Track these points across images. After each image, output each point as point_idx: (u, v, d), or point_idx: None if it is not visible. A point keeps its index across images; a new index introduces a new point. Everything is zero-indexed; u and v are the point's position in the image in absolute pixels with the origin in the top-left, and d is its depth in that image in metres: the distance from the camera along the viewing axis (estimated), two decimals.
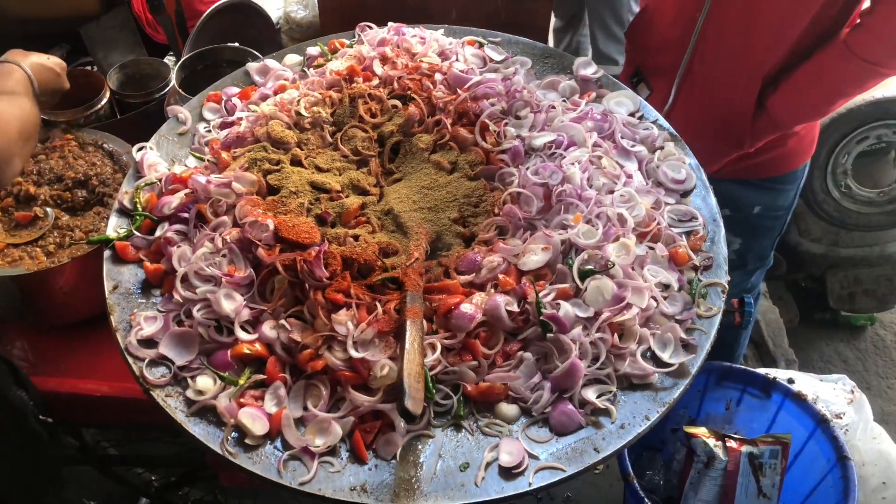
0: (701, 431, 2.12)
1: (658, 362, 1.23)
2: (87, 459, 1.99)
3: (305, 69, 1.68)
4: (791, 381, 2.21)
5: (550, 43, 4.34)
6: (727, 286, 1.34)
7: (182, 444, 2.12)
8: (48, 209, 1.66)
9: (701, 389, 2.25)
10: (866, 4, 1.65)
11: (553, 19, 4.19)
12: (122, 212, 1.42)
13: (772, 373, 2.23)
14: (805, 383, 2.24)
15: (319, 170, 1.44)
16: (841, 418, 2.18)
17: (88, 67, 2.03)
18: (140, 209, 1.39)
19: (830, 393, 2.26)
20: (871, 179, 2.84)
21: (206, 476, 2.23)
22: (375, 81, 1.59)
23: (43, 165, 1.73)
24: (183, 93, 1.73)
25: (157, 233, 1.36)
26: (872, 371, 3.08)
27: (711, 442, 2.09)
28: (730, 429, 2.22)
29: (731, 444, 2.08)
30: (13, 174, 1.19)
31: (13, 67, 1.34)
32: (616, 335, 1.24)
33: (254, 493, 2.38)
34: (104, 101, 1.87)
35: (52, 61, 1.47)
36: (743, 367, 2.24)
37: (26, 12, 1.94)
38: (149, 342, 1.23)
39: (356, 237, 1.34)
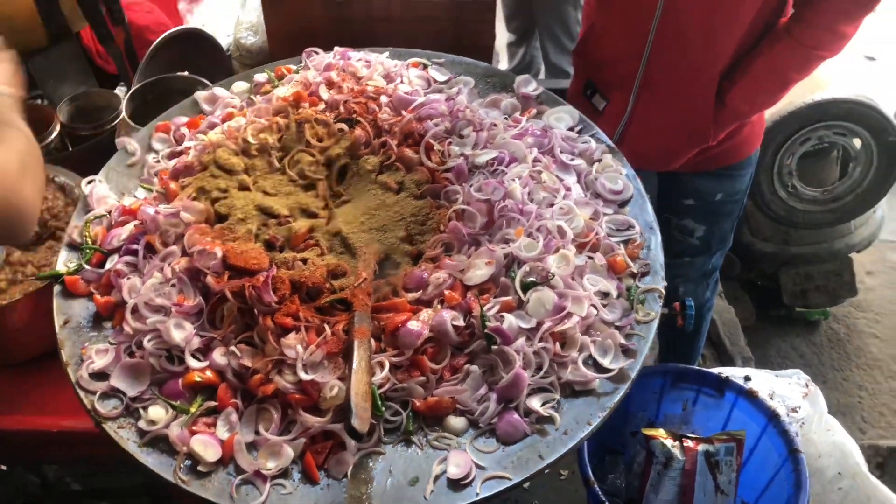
0: (659, 433, 2.16)
1: (599, 368, 1.27)
2: (49, 497, 1.98)
3: (253, 96, 1.71)
4: (748, 378, 2.26)
5: (504, 58, 4.44)
6: (664, 291, 1.39)
7: (146, 473, 2.12)
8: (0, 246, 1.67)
9: (658, 392, 2.30)
10: None
11: (506, 34, 4.28)
12: (72, 246, 1.43)
13: (727, 371, 2.29)
14: (761, 380, 2.30)
15: (267, 195, 1.47)
16: (797, 412, 2.24)
17: (38, 101, 2.03)
18: (90, 243, 1.41)
19: (786, 388, 2.32)
20: (815, 179, 2.94)
21: None
22: (322, 106, 1.62)
23: None
24: (133, 124, 1.75)
25: (108, 265, 1.38)
26: (828, 364, 3.17)
27: (669, 443, 2.13)
28: (687, 429, 2.27)
29: (688, 443, 2.12)
30: (32, 216, 1.11)
31: None
32: (558, 344, 1.28)
33: None
34: (54, 134, 1.88)
35: (4, 55, 1.36)
36: (697, 367, 2.30)
37: None
38: (100, 375, 1.24)
39: (304, 260, 1.37)
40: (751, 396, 2.14)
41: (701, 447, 2.09)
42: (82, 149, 1.89)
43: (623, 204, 1.53)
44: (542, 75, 4.19)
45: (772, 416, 2.07)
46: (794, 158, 2.89)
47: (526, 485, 2.61)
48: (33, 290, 1.57)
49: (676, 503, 2.06)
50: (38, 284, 1.56)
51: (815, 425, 2.23)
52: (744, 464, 2.08)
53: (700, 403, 2.26)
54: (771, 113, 2.85)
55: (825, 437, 2.22)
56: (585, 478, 1.98)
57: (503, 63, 4.50)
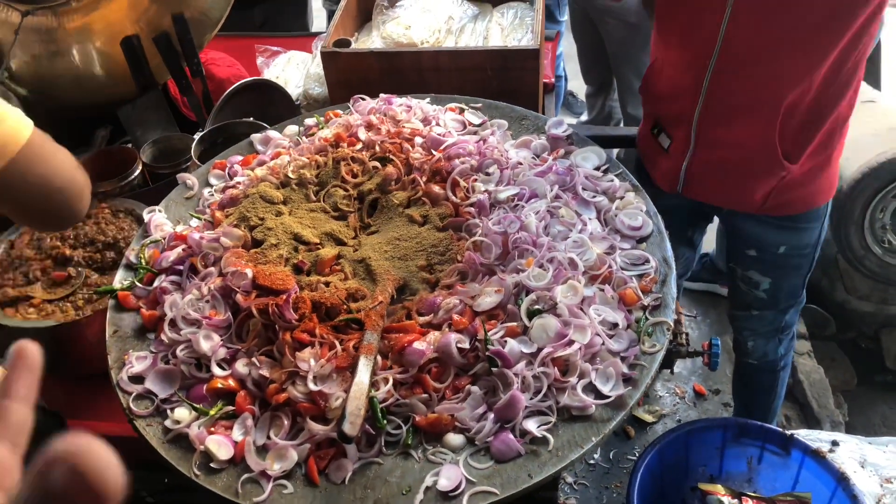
0: (717, 489, 2.10)
1: (599, 395, 1.30)
2: None
3: (300, 137, 1.87)
4: (835, 443, 2.17)
5: (584, 108, 4.51)
6: (672, 325, 1.40)
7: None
8: (80, 269, 1.88)
9: (719, 446, 2.24)
10: None
11: (585, 86, 4.37)
12: (129, 266, 1.61)
13: (812, 434, 2.19)
14: (851, 446, 2.19)
15: (301, 224, 1.60)
16: (892, 483, 2.11)
17: (129, 145, 2.28)
18: (143, 263, 1.58)
19: (880, 456, 2.19)
20: None
21: None
22: (359, 146, 1.76)
23: (79, 231, 1.96)
24: (199, 163, 1.94)
25: (156, 283, 1.54)
26: None
27: (727, 500, 2.07)
28: (750, 487, 2.18)
29: (748, 502, 2.05)
30: (86, 202, 1.31)
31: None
32: (559, 370, 1.32)
33: None
34: (136, 172, 2.10)
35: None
36: (760, 423, 2.22)
37: (71, 99, 2.21)
38: (137, 378, 1.39)
39: (327, 284, 1.48)
40: (818, 457, 2.04)
41: None
42: (159, 185, 2.10)
43: (642, 240, 1.57)
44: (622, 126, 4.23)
45: (841, 479, 1.97)
46: (887, 212, 2.74)
47: None
48: (103, 308, 1.75)
49: None
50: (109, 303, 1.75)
51: None
52: None
53: (766, 461, 2.18)
54: (860, 165, 2.74)
55: None
56: None
57: (584, 115, 4.58)
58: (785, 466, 2.16)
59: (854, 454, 2.11)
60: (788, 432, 2.15)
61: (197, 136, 2.11)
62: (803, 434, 2.16)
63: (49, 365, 1.56)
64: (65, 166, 1.29)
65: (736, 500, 2.06)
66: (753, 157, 1.91)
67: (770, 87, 1.79)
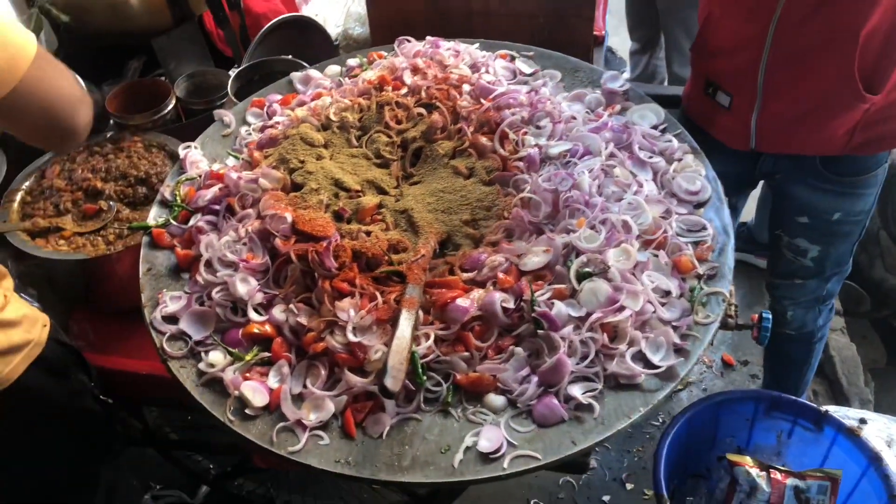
0: (745, 460, 2.07)
1: (648, 365, 1.25)
2: (149, 441, 2.14)
3: (342, 78, 1.79)
4: (863, 420, 2.12)
5: (627, 66, 4.37)
6: (728, 295, 1.34)
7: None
8: (111, 203, 1.83)
9: (750, 419, 2.20)
10: None
11: (629, 42, 4.22)
12: (163, 203, 1.56)
13: (840, 410, 2.15)
14: (879, 425, 2.15)
15: (342, 170, 1.54)
16: None
17: (162, 77, 2.21)
18: (179, 201, 1.53)
19: None
20: None
21: (258, 468, 2.35)
22: (404, 90, 1.68)
23: (111, 164, 1.91)
24: (235, 100, 1.87)
25: (191, 222, 1.49)
26: None
27: (755, 472, 2.03)
28: (779, 461, 2.15)
29: (776, 475, 2.01)
30: (86, 122, 1.28)
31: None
32: (608, 336, 1.27)
33: (303, 488, 2.48)
34: (170, 107, 2.04)
35: None
36: (794, 398, 2.18)
37: (105, 27, 2.14)
38: (171, 318, 1.35)
39: (368, 233, 1.42)
40: (852, 435, 2.00)
41: (790, 481, 1.98)
42: (193, 121, 2.04)
43: (699, 205, 1.49)
44: (665, 85, 4.09)
45: (874, 459, 1.93)
46: None
47: (606, 497, 2.58)
48: (135, 244, 1.71)
49: None
50: (140, 238, 1.71)
51: None
52: None
53: (796, 436, 2.14)
54: None
55: None
56: (658, 495, 1.92)
57: (627, 72, 4.43)
58: (816, 442, 2.12)
59: (882, 433, 2.06)
60: (823, 408, 2.11)
61: (233, 73, 2.04)
62: (831, 410, 2.12)
63: (78, 298, 1.54)
64: (68, 82, 1.25)
65: (764, 473, 2.03)
66: (831, 96, 1.80)
67: (847, 16, 1.67)
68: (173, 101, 2.05)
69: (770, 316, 1.50)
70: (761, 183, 2.45)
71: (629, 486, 2.66)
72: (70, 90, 1.25)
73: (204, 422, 2.18)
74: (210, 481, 2.49)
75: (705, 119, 2.02)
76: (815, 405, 2.10)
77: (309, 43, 2.27)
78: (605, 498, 2.63)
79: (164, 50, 2.15)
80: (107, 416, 1.64)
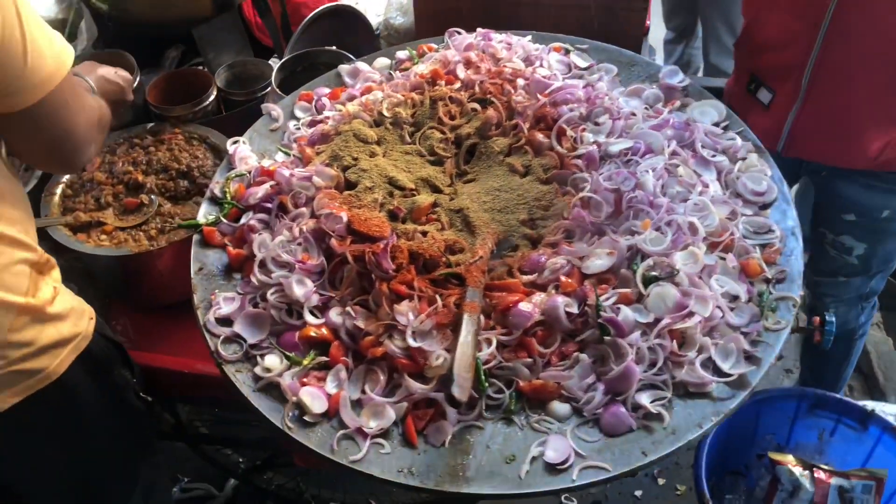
0: (788, 459, 2.04)
1: (718, 372, 1.21)
2: (180, 436, 2.13)
3: (392, 72, 1.75)
4: None
5: (660, 55, 4.28)
6: (799, 300, 1.29)
7: (267, 428, 2.24)
8: (153, 196, 1.80)
9: (791, 416, 2.17)
10: None
11: (664, 31, 4.13)
12: (213, 200, 1.53)
13: (877, 406, 2.11)
14: None
15: (396, 167, 1.50)
16: None
17: (200, 67, 2.18)
18: (229, 198, 1.50)
19: None
20: None
21: (288, 462, 2.34)
22: (457, 85, 1.64)
23: (152, 156, 1.88)
24: (280, 92, 1.83)
25: (242, 220, 1.46)
26: None
27: (798, 471, 2.01)
28: (820, 459, 2.12)
29: (820, 475, 1.99)
30: (88, 158, 1.30)
31: (79, 80, 1.48)
32: (676, 343, 1.22)
33: (333, 483, 2.47)
34: (211, 98, 2.00)
35: (119, 75, 1.64)
36: (839, 396, 2.14)
37: (145, 15, 2.10)
38: (225, 321, 1.32)
39: (424, 233, 1.38)
40: None
41: (834, 481, 1.95)
42: (234, 113, 2.01)
43: (765, 206, 1.44)
44: (700, 76, 4.01)
45: None
46: None
47: (638, 493, 2.55)
48: (178, 240, 1.69)
49: None
50: (183, 234, 1.68)
51: None
52: None
53: (839, 435, 2.12)
54: None
55: None
56: (700, 494, 1.89)
57: (659, 61, 4.34)
58: (859, 441, 2.09)
59: None
60: (869, 407, 2.06)
61: (276, 63, 2.00)
62: (869, 406, 2.09)
63: (117, 293, 1.52)
64: (87, 115, 1.27)
65: (807, 472, 2.00)
66: (873, 106, 1.76)
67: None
68: (214, 92, 2.01)
69: (834, 319, 1.44)
70: None
71: (661, 482, 2.63)
72: (86, 126, 1.26)
73: (234, 416, 2.19)
74: (239, 475, 2.48)
75: (742, 116, 1.99)
76: (861, 404, 2.06)
77: (350, 32, 2.22)
78: (638, 493, 2.60)
79: (203, 39, 2.12)
80: (148, 413, 1.62)
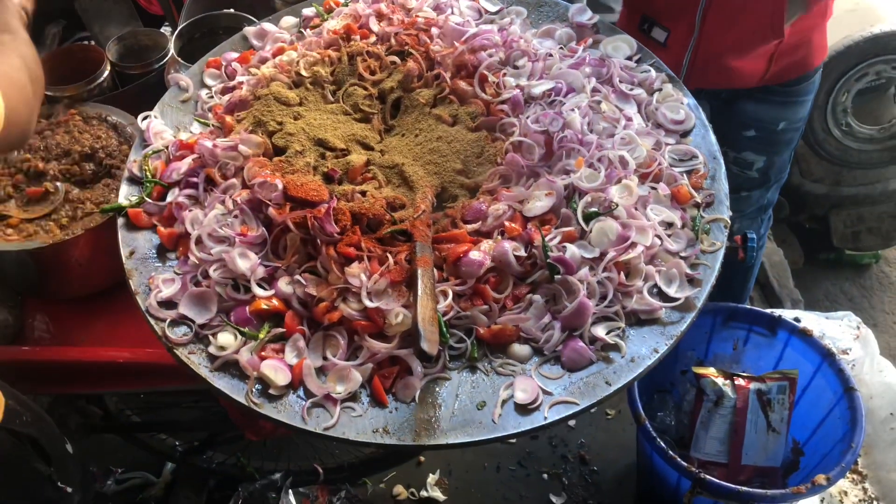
0: (710, 371, 2.16)
1: (664, 297, 1.26)
2: (110, 427, 2.04)
3: (302, 30, 1.69)
4: (797, 320, 2.25)
5: None
6: (729, 221, 1.36)
7: (203, 408, 2.18)
8: (58, 184, 1.68)
9: (708, 331, 2.29)
10: None
11: None
12: (132, 180, 1.44)
13: (777, 312, 2.27)
14: (811, 321, 2.28)
15: (322, 128, 1.46)
16: (847, 354, 2.22)
17: (86, 42, 2.03)
18: (149, 177, 1.42)
19: (836, 329, 2.30)
20: (871, 116, 2.84)
21: (228, 439, 2.29)
22: (373, 39, 1.60)
23: (50, 141, 1.75)
24: (182, 61, 1.74)
25: (169, 198, 1.39)
26: (878, 307, 3.11)
27: (720, 381, 2.13)
28: (737, 368, 2.26)
29: (740, 381, 2.12)
30: (31, 132, 1.18)
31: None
32: (622, 273, 1.27)
33: (276, 454, 2.44)
34: (105, 73, 1.88)
35: None
36: (749, 307, 2.28)
37: None
38: (168, 303, 1.26)
39: (363, 193, 1.36)
40: (804, 335, 2.12)
41: (753, 385, 2.08)
42: (132, 87, 1.89)
43: (685, 134, 1.50)
44: None
45: (827, 355, 2.05)
46: (850, 95, 2.78)
47: (572, 422, 2.65)
48: (94, 226, 1.59)
49: (727, 441, 2.06)
50: (99, 219, 1.58)
51: (867, 367, 2.21)
52: (796, 403, 2.07)
53: (751, 343, 2.25)
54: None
55: (877, 379, 2.20)
56: (636, 415, 1.98)
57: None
58: (769, 346, 2.23)
59: (814, 329, 2.20)
60: (776, 313, 2.22)
61: (166, 30, 1.89)
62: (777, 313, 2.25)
63: (33, 288, 1.39)
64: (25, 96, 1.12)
65: (728, 381, 2.13)
66: (761, 30, 1.88)
67: None
68: (108, 68, 1.88)
69: (755, 236, 1.53)
70: None
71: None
72: (29, 109, 1.13)
73: (164, 400, 2.11)
74: (177, 458, 2.42)
75: None
76: (769, 312, 2.21)
77: None
78: (571, 423, 2.69)
79: (88, 12, 1.97)
80: (72, 497, 1.53)
